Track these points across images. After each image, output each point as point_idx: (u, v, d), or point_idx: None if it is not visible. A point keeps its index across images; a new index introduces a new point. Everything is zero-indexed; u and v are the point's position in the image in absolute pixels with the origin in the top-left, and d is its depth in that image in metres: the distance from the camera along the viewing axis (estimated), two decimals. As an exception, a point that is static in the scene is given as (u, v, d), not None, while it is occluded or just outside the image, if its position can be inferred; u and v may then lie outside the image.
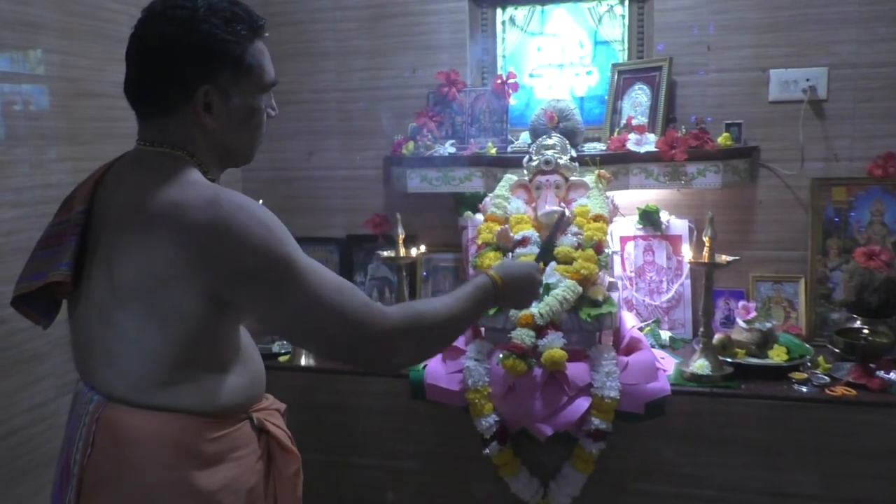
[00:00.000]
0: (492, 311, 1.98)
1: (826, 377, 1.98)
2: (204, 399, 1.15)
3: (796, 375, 1.99)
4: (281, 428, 1.31)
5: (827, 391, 1.91)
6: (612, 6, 2.53)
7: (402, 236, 2.26)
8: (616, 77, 2.45)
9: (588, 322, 1.97)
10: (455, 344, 2.07)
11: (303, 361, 2.23)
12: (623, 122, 2.39)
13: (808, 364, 2.05)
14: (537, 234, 2.12)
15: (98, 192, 1.18)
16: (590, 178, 2.23)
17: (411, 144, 2.49)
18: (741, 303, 2.23)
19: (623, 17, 2.53)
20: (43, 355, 1.93)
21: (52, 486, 1.20)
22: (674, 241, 2.39)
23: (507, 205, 2.22)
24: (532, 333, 1.92)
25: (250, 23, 1.16)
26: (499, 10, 2.64)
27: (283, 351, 2.30)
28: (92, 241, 1.15)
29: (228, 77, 1.14)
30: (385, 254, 2.28)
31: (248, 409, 1.24)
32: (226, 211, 1.06)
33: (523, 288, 1.43)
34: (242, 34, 1.14)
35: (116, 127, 2.14)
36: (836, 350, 2.08)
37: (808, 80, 2.26)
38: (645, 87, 2.39)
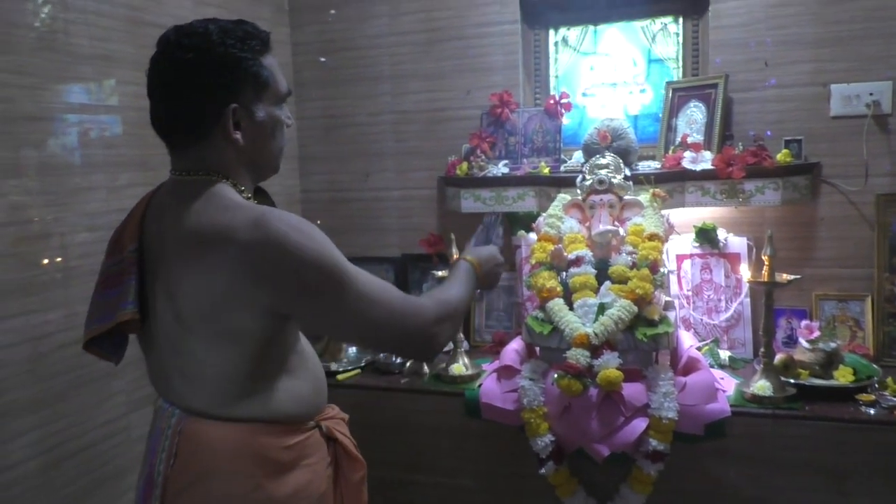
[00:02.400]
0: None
1: (895, 399, 1.91)
2: (275, 407, 1.20)
3: (863, 397, 1.93)
4: (347, 436, 1.36)
5: (896, 413, 1.85)
6: (665, 24, 2.53)
7: (455, 256, 2.29)
8: (670, 95, 2.44)
9: (644, 342, 1.95)
10: (510, 363, 2.10)
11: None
12: (678, 140, 2.38)
13: (876, 385, 1.99)
14: (591, 254, 2.12)
15: (144, 228, 1.24)
16: (644, 197, 2.22)
17: (465, 165, 2.53)
18: (804, 322, 2.18)
19: (677, 34, 2.52)
20: (115, 373, 2.02)
21: (136, 495, 1.27)
22: (732, 259, 2.35)
23: (561, 224, 2.23)
24: (587, 353, 1.92)
25: (259, 38, 1.21)
26: (551, 31, 2.66)
27: (340, 369, 2.35)
28: (149, 275, 1.21)
29: (250, 92, 1.19)
30: (440, 273, 2.31)
31: (316, 416, 1.30)
32: (275, 230, 1.10)
33: (492, 269, 1.55)
34: (256, 49, 1.19)
35: (184, 153, 2.24)
36: (906, 371, 2.01)
37: (871, 94, 2.21)
38: (700, 105, 2.37)
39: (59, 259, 1.88)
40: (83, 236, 1.94)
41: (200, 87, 1.15)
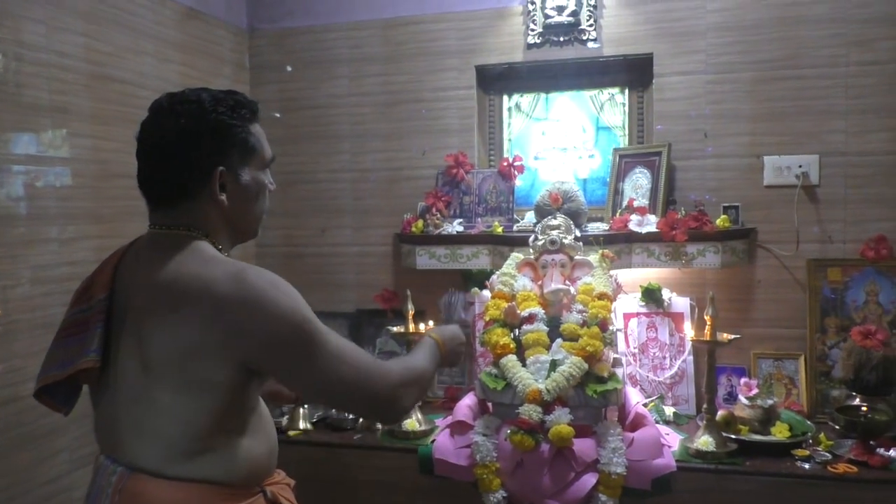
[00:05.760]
0: None
1: (828, 454, 2.01)
2: (227, 468, 1.20)
3: (799, 452, 2.02)
4: (292, 502, 1.35)
5: (829, 468, 1.94)
6: (612, 94, 2.68)
7: (411, 312, 2.32)
8: (617, 160, 2.57)
9: (594, 398, 2.01)
10: (463, 419, 2.12)
11: (301, 425, 2.27)
12: (625, 203, 2.50)
13: (810, 441, 2.09)
14: (543, 312, 2.18)
15: (117, 279, 1.25)
16: (594, 258, 2.30)
17: (420, 223, 2.59)
18: (743, 379, 2.28)
19: (623, 104, 2.67)
20: (59, 430, 1.97)
21: None
22: (676, 318, 2.45)
23: (514, 282, 2.29)
24: (539, 409, 1.96)
25: (249, 107, 1.28)
26: (505, 97, 2.78)
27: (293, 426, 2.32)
28: (116, 325, 1.21)
29: (237, 158, 1.25)
30: (395, 329, 2.34)
31: (263, 480, 1.29)
32: (252, 285, 1.15)
33: (456, 347, 1.61)
34: (245, 118, 1.27)
35: (140, 206, 2.20)
36: (837, 427, 2.12)
37: (800, 166, 2.38)
38: (645, 171, 2.51)
39: (-1, 312, 1.84)
40: (27, 289, 1.91)
41: (191, 151, 1.21)
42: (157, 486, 1.15)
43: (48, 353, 1.26)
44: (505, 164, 2.61)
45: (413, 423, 2.25)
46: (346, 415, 2.38)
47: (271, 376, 1.24)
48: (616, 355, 2.28)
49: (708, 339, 2.07)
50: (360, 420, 2.36)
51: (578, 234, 2.36)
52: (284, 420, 2.31)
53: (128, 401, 1.18)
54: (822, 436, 2.09)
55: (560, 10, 2.55)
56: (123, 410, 1.19)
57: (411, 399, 1.35)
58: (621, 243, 2.39)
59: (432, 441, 2.16)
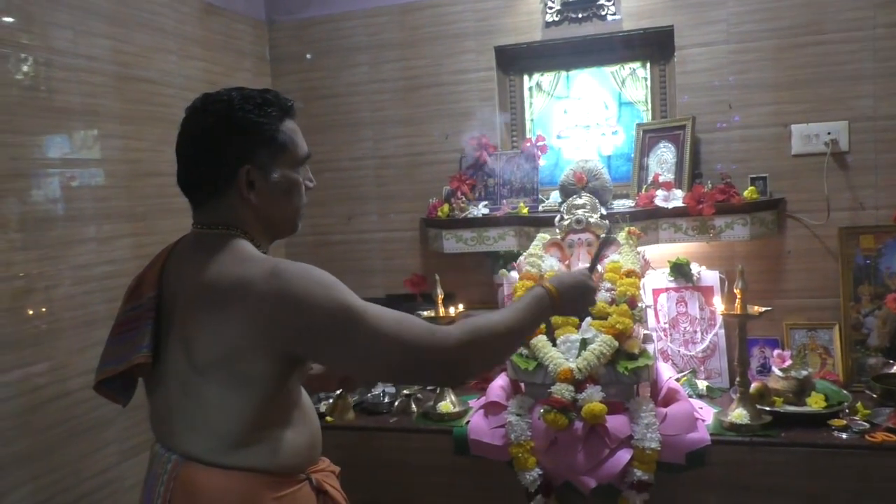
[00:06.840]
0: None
1: (865, 423, 2.00)
2: (272, 458, 1.24)
3: (835, 422, 2.01)
4: (337, 490, 1.39)
5: (867, 437, 1.93)
6: (634, 69, 2.66)
7: (441, 296, 2.35)
8: (641, 136, 2.55)
9: (625, 375, 2.02)
10: (497, 399, 2.15)
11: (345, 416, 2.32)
12: (650, 178, 2.48)
13: (847, 411, 2.07)
14: (572, 291, 2.19)
15: (164, 277, 1.29)
16: (620, 235, 2.30)
17: (446, 207, 2.60)
18: (776, 351, 2.26)
19: (645, 79, 2.64)
20: (107, 423, 2.04)
21: None
22: (706, 291, 2.44)
23: (542, 263, 2.30)
24: (571, 388, 1.98)
25: (279, 105, 1.29)
26: (525, 77, 2.77)
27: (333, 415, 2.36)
28: (165, 321, 1.26)
29: (266, 155, 1.27)
30: (426, 314, 2.36)
31: (308, 468, 1.33)
32: (286, 279, 1.17)
33: (578, 296, 1.48)
34: (273, 115, 1.27)
35: (172, 203, 2.28)
36: (874, 396, 2.10)
37: (829, 133, 2.34)
38: (670, 145, 2.49)
39: (43, 310, 1.89)
40: (69, 288, 1.96)
41: (218, 149, 1.24)
42: (207, 474, 1.20)
43: (105, 348, 1.31)
44: (528, 144, 2.61)
45: (447, 405, 2.28)
46: (383, 398, 2.42)
47: (320, 362, 1.28)
48: (646, 331, 2.28)
49: (738, 312, 2.06)
50: (396, 403, 2.40)
51: (604, 211, 2.36)
52: (322, 406, 2.38)
53: (178, 395, 1.23)
54: (858, 405, 2.08)
55: (578, -15, 2.53)
56: (174, 404, 1.24)
57: (479, 360, 1.30)
58: (648, 219, 2.38)
59: (467, 422, 2.19)
